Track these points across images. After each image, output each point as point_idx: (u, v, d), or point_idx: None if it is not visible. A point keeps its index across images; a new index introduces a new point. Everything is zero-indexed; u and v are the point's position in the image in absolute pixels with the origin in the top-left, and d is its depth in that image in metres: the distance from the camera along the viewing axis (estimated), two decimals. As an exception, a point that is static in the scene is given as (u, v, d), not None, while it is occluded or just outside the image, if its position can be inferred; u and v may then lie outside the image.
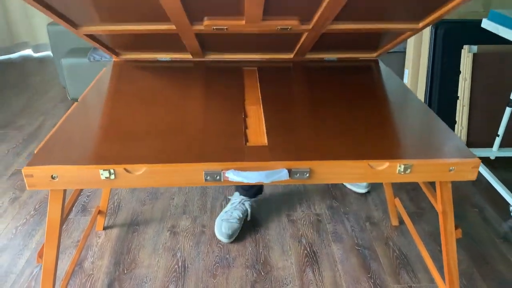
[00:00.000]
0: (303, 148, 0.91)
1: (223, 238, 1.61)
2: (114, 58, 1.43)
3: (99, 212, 1.63)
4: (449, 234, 0.99)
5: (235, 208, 1.68)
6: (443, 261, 1.06)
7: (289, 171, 0.84)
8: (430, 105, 2.33)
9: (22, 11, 3.67)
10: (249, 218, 1.71)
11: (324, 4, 0.98)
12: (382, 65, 1.41)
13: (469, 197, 1.91)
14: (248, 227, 1.70)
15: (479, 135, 2.19)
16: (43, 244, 0.94)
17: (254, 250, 1.59)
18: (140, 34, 1.20)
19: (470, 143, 2.21)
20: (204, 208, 1.82)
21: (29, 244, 1.60)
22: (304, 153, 0.88)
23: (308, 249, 1.60)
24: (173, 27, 1.11)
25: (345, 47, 1.41)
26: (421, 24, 1.13)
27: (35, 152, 0.87)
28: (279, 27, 1.11)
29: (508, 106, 2.02)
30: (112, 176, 0.81)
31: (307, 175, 0.85)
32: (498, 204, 1.85)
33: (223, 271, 1.49)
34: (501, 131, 2.09)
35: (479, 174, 2.04)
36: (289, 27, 1.11)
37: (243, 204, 1.70)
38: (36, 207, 1.81)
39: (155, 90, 1.21)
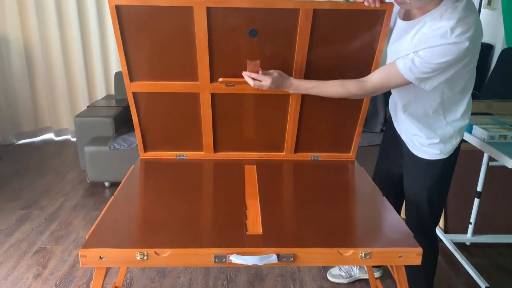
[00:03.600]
0: (289, 237, 1.19)
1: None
2: (141, 156, 1.75)
3: (115, 288, 1.84)
4: (407, 309, 1.23)
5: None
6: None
7: (278, 255, 1.11)
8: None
9: (49, 99, 4.12)
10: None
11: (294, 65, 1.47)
12: (356, 165, 1.73)
13: (446, 279, 2.11)
14: (246, 304, 1.90)
15: (455, 222, 2.45)
16: (83, 312, 1.18)
17: (251, 326, 1.78)
18: (168, 129, 1.66)
19: (447, 229, 2.46)
20: (207, 287, 2.02)
21: (50, 317, 1.80)
22: (289, 242, 1.16)
23: (300, 326, 1.78)
24: (198, 83, 1.54)
25: (326, 147, 1.76)
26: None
27: (86, 237, 1.14)
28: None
29: (476, 197, 2.32)
30: (145, 257, 1.08)
31: (292, 259, 1.11)
32: (471, 287, 2.05)
33: None
34: (472, 219, 2.36)
35: (455, 258, 2.27)
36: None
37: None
38: (57, 283, 2.02)
39: (174, 185, 1.52)
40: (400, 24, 1.41)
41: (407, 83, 1.34)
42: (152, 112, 1.65)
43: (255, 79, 1.43)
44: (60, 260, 2.19)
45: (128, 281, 2.04)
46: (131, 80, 1.56)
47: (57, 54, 3.98)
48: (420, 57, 1.27)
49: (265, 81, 1.42)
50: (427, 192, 1.56)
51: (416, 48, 1.28)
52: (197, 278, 2.08)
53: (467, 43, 1.23)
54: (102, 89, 4.06)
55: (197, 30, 1.42)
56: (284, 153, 1.80)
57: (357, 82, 1.43)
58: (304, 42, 1.45)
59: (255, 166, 1.72)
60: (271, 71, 1.44)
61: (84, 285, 2.00)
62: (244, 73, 1.45)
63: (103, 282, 1.15)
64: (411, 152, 1.55)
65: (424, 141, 1.50)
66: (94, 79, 4.07)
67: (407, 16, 1.39)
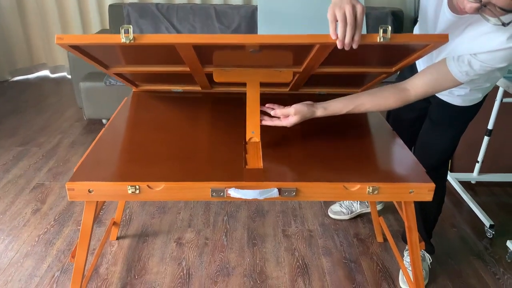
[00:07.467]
0: (292, 171, 1.11)
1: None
2: (134, 89, 1.64)
3: (114, 223, 1.82)
4: (414, 245, 1.18)
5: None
6: (411, 268, 1.24)
7: (279, 190, 1.04)
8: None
9: (42, 35, 3.93)
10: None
11: (310, 56, 1.21)
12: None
13: (450, 217, 2.09)
14: (246, 240, 1.89)
15: (461, 161, 2.38)
16: (76, 246, 1.14)
17: (252, 261, 1.77)
18: (158, 73, 1.42)
19: (453, 168, 2.40)
20: (207, 222, 2.01)
21: (50, 251, 1.79)
22: (292, 176, 1.08)
23: (300, 261, 1.78)
24: (187, 68, 1.33)
25: (334, 84, 1.62)
26: (394, 69, 1.35)
27: (74, 170, 1.07)
28: (274, 69, 1.33)
29: (486, 136, 2.23)
30: (137, 191, 1.01)
31: (294, 193, 1.04)
32: (475, 225, 2.03)
33: (223, 279, 1.67)
34: (480, 157, 2.29)
35: (460, 196, 2.23)
36: (283, 70, 1.33)
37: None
38: (56, 218, 2.00)
39: (169, 118, 1.42)
40: (448, 16, 1.17)
41: (458, 84, 1.20)
42: (141, 77, 1.51)
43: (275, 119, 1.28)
44: (59, 196, 2.17)
45: (127, 217, 2.02)
46: (106, 69, 1.35)
47: (46, -16, 3.72)
48: (480, 60, 1.11)
49: (287, 120, 1.25)
50: (452, 138, 1.50)
51: (474, 50, 1.11)
52: (198, 214, 2.06)
53: None
54: (96, 23, 3.84)
55: (185, 58, 1.20)
56: (287, 90, 1.68)
57: (396, 93, 1.23)
58: (316, 61, 1.25)
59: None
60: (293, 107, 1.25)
61: (84, 221, 1.98)
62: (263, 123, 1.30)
63: (94, 217, 1.09)
64: (445, 101, 1.44)
65: (466, 89, 1.37)
66: (88, 12, 3.84)
67: (455, 8, 1.14)
